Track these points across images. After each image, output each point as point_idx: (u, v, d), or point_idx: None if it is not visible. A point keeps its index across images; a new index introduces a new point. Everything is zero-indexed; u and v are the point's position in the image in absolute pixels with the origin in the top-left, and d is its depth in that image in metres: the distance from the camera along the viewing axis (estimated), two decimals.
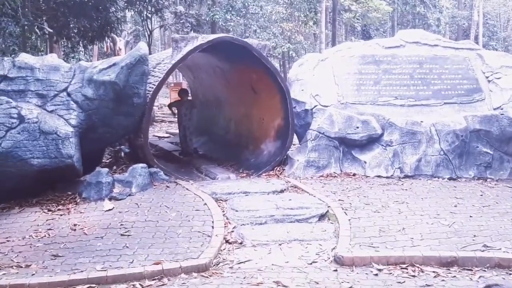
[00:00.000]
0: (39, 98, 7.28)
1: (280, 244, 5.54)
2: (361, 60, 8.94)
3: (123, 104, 7.65)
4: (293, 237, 5.72)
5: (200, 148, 11.29)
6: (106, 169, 7.27)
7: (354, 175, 8.22)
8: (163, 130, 16.02)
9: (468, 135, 8.11)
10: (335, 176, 8.17)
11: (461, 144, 8.09)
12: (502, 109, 8.26)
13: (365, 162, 8.23)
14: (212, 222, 6.03)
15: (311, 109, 8.59)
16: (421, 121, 8.22)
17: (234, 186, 7.42)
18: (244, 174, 8.60)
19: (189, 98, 11.67)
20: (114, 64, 7.57)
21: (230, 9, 15.38)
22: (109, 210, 6.49)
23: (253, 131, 9.84)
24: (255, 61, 8.54)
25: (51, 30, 12.67)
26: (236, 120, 10.66)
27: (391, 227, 5.86)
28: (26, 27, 13.07)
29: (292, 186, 7.59)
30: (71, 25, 16.08)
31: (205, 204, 6.62)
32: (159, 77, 7.84)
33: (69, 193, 7.07)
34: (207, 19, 16.46)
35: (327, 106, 8.49)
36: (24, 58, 7.58)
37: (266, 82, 8.80)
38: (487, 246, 5.17)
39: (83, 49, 22.35)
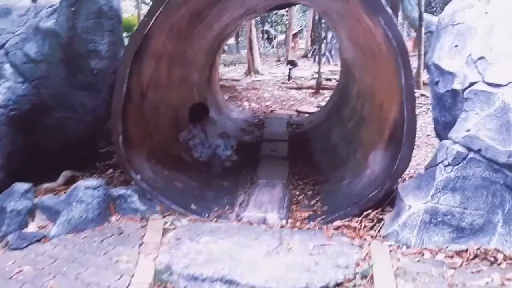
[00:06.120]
0: None
1: None
2: None
3: (79, 71, 4.36)
4: None
5: (314, 141, 7.24)
6: (27, 185, 4.18)
7: None
8: (318, 102, 12.10)
9: None
10: (494, 261, 3.32)
11: None
12: None
13: None
14: None
15: (463, 91, 3.72)
16: None
17: (236, 252, 3.47)
18: (306, 215, 4.38)
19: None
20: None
21: None
22: None
23: (370, 126, 5.39)
24: None
25: None
26: (363, 99, 6.24)
27: None
28: None
29: (363, 277, 3.18)
30: None
31: None
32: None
33: None
34: None
35: (500, 86, 3.51)
36: None
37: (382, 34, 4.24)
38: None
39: None
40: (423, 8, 13.26)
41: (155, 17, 4.12)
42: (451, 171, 3.54)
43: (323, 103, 11.51)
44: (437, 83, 4.09)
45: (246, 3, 7.14)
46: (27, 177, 4.49)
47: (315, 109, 10.91)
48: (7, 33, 4.63)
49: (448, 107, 3.96)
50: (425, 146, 7.06)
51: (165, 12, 4.27)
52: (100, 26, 4.17)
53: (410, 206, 3.69)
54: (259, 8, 8.36)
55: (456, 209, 3.54)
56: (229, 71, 22.50)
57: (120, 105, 4.27)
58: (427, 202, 3.61)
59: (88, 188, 4.09)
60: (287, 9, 25.66)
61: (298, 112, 10.65)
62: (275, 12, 27.61)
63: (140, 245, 3.69)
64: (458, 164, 3.52)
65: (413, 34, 22.96)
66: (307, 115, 10.25)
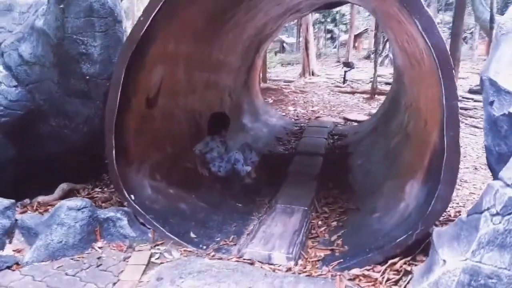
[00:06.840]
0: None
1: None
2: None
3: (72, 76, 3.91)
4: None
5: (353, 157, 6.45)
6: (8, 201, 3.77)
7: None
8: (371, 109, 11.18)
9: None
10: None
11: None
12: None
13: None
14: None
15: None
16: None
17: None
18: (321, 255, 3.68)
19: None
20: None
21: None
22: None
23: (412, 147, 4.58)
24: None
25: None
26: (410, 113, 5.40)
27: None
28: None
29: None
30: None
31: None
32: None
33: None
34: None
35: None
36: None
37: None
38: None
39: None
40: (495, 9, 11.96)
41: (152, 16, 3.57)
42: (500, 222, 2.71)
43: (370, 111, 10.61)
44: (491, 103, 3.25)
45: (284, 2, 6.47)
46: (22, 190, 4.16)
47: (365, 117, 10.03)
48: (6, 32, 4.28)
49: (504, 135, 3.12)
50: (484, 169, 6.09)
51: (167, 12, 3.72)
52: (91, 26, 3.70)
53: (444, 261, 2.90)
54: (302, 7, 7.65)
55: (504, 272, 2.71)
56: (285, 71, 21.85)
57: (113, 115, 3.76)
58: (466, 259, 2.80)
59: (71, 209, 3.62)
60: (349, 9, 24.60)
61: (346, 120, 9.83)
62: (336, 11, 26.57)
63: (115, 283, 3.16)
64: (510, 214, 2.69)
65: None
66: (355, 123, 9.42)
